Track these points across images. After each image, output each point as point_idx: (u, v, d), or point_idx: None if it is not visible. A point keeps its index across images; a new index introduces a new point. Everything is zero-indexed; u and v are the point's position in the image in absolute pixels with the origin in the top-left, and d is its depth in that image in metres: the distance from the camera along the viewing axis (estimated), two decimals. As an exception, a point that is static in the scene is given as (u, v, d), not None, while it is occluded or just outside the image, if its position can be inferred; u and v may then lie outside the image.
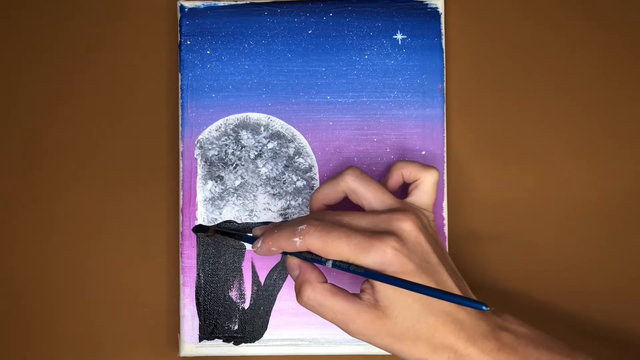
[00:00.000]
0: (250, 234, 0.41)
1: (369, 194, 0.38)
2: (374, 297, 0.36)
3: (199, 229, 0.44)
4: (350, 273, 0.36)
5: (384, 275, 0.35)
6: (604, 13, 0.46)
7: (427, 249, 0.36)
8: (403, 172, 0.40)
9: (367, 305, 0.36)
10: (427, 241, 0.36)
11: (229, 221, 0.44)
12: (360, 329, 0.36)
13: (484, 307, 0.32)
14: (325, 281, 0.37)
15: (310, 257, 0.37)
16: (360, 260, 0.35)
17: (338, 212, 0.38)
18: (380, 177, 0.44)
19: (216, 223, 0.44)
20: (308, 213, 0.44)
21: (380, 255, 0.35)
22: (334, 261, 0.36)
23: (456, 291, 0.36)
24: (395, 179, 0.40)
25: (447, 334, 0.35)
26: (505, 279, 0.45)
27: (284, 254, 0.38)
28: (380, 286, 0.35)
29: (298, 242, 0.36)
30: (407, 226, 0.36)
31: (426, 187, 0.39)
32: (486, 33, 0.46)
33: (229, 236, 0.43)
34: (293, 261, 0.38)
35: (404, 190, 0.41)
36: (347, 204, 0.40)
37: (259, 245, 0.38)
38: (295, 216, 0.44)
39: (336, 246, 0.36)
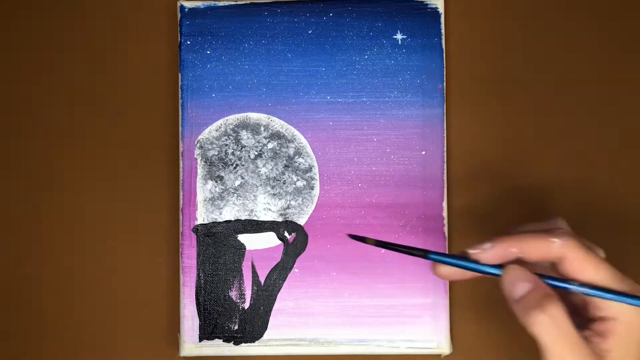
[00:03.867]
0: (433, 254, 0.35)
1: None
2: (604, 346, 0.32)
3: (357, 238, 0.37)
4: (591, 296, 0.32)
5: None
6: (604, 12, 0.46)
7: None
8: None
9: (591, 352, 0.32)
10: None
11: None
12: None
13: None
14: None
15: (544, 276, 0.33)
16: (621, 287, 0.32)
17: None
18: (381, 177, 0.44)
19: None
20: (306, 213, 0.44)
21: None
22: (582, 284, 0.32)
23: None
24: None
25: None
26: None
27: (501, 265, 0.33)
28: (618, 339, 0.32)
29: (557, 243, 0.32)
30: None
31: None
32: (486, 33, 0.46)
33: (400, 252, 0.35)
34: (527, 273, 0.33)
35: None
36: None
37: (488, 246, 0.33)
38: (295, 216, 0.44)
39: (596, 265, 0.32)
